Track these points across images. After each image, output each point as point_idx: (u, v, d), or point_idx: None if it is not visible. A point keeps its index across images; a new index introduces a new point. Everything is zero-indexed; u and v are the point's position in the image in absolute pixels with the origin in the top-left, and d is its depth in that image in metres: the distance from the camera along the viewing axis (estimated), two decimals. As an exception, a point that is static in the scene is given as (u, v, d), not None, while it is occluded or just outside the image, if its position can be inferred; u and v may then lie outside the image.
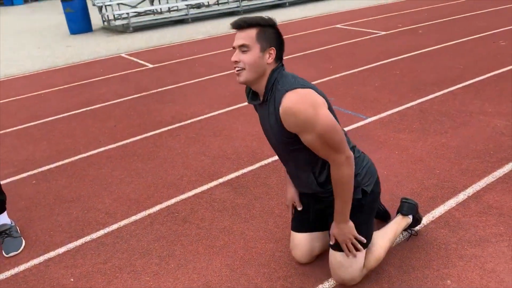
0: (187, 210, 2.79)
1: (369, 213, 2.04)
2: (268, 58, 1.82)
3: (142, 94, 5.31)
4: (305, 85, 1.81)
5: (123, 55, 7.81)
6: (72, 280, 2.27)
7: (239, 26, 1.82)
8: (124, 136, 4.06)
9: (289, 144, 1.88)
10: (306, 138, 1.78)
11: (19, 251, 2.53)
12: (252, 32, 1.80)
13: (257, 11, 11.89)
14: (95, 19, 11.93)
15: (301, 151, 1.87)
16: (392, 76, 5.03)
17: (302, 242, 2.14)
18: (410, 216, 2.28)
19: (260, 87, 1.87)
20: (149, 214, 2.79)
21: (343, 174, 1.82)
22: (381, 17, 9.00)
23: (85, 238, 2.61)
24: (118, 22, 11.05)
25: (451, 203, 2.60)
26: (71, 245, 2.55)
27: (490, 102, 4.00)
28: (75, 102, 5.24)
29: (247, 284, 2.12)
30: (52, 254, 2.49)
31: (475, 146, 3.24)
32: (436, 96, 4.27)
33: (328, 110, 1.80)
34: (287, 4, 12.55)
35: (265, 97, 1.86)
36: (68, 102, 5.27)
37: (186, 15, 11.40)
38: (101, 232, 2.65)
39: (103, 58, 7.74)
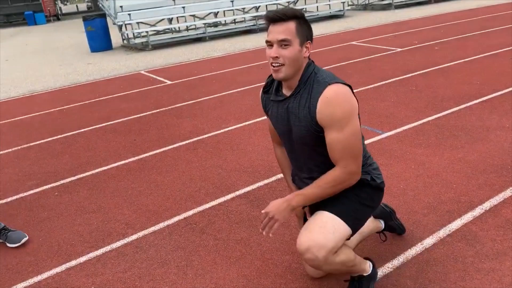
0: (205, 222, 2.84)
1: (364, 203, 1.93)
2: (305, 52, 1.81)
3: (161, 109, 5.43)
4: (345, 83, 1.81)
5: (142, 72, 8.00)
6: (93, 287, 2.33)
7: (278, 19, 1.74)
8: (144, 150, 4.16)
9: (312, 139, 1.84)
10: (331, 136, 1.76)
11: (27, 236, 2.80)
12: (292, 26, 1.75)
13: (273, 29, 12.05)
14: (115, 37, 12.24)
15: (320, 149, 1.85)
16: (409, 92, 5.05)
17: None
18: (382, 221, 2.27)
19: (294, 81, 1.84)
20: (167, 225, 2.85)
21: (342, 180, 1.79)
22: (397, 34, 9.05)
23: (105, 247, 2.67)
24: (138, 40, 11.34)
25: (468, 217, 2.59)
26: (92, 254, 2.62)
27: (507, 118, 3.98)
28: (96, 117, 5.38)
29: (263, 294, 2.14)
30: (73, 263, 2.56)
31: (492, 160, 3.23)
32: (453, 112, 4.27)
33: (357, 119, 1.81)
34: (303, 22, 12.69)
35: (297, 90, 1.83)
36: (89, 117, 5.42)
37: (203, 33, 11.64)
38: (121, 242, 2.71)
39: (123, 75, 7.93)
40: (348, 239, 1.91)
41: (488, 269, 2.15)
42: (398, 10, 13.59)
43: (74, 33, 17.94)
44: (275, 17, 1.75)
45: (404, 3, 14.62)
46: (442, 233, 2.47)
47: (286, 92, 1.91)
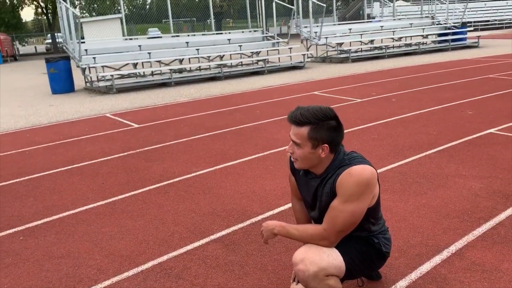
0: (180, 267, 2.81)
1: (363, 259, 2.10)
2: (321, 153, 1.97)
3: (129, 152, 5.39)
4: (372, 166, 1.99)
5: (107, 115, 7.94)
6: (65, 337, 2.22)
7: (294, 122, 1.95)
8: (113, 193, 4.09)
9: None
10: (334, 202, 1.94)
11: None
12: (304, 131, 1.92)
13: (237, 78, 12.40)
14: (77, 80, 12.14)
15: None
16: (371, 140, 5.30)
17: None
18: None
19: (318, 170, 2.02)
20: (141, 271, 2.79)
21: (316, 239, 1.98)
22: (356, 86, 9.55)
23: (77, 294, 2.57)
24: (102, 83, 11.30)
25: (436, 260, 2.72)
26: (62, 302, 2.51)
27: (464, 166, 4.26)
28: (61, 160, 5.26)
29: None
30: (43, 311, 2.44)
31: (454, 206, 3.43)
32: (414, 159, 4.52)
33: (367, 204, 1.97)
34: (265, 71, 13.16)
35: (325, 174, 2.01)
36: (53, 160, 5.28)
37: (169, 78, 11.78)
38: (93, 289, 2.62)
39: (87, 117, 7.84)
40: (341, 281, 2.00)
41: (459, 310, 2.25)
42: (355, 63, 14.39)
43: (33, 74, 17.64)
44: (291, 120, 1.95)
45: (360, 57, 15.52)
46: (414, 275, 2.57)
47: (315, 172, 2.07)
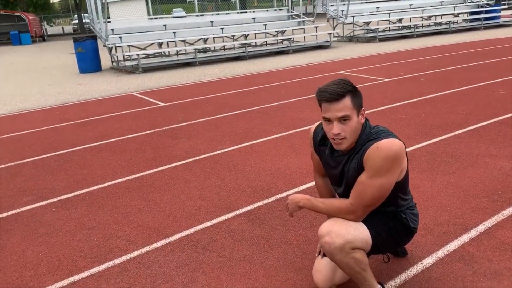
0: (207, 239, 2.86)
1: (390, 234, 2.09)
2: (362, 118, 1.96)
3: (155, 130, 5.47)
4: (400, 139, 1.96)
5: (134, 93, 8.05)
6: (97, 302, 2.31)
7: (333, 99, 1.86)
8: (140, 169, 4.17)
9: None
10: (362, 176, 1.93)
11: None
12: (348, 101, 1.88)
13: (261, 57, 12.32)
14: (104, 59, 12.30)
15: None
16: (398, 120, 5.22)
17: (325, 268, 2.21)
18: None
19: (351, 145, 1.99)
20: (169, 242, 2.86)
21: (342, 213, 1.98)
22: (383, 65, 9.36)
23: (107, 263, 2.66)
24: (128, 63, 11.42)
25: (464, 238, 2.68)
26: (94, 270, 2.60)
27: (494, 146, 4.16)
28: (90, 136, 5.38)
29: (270, 310, 2.17)
30: (76, 277, 2.54)
31: (483, 186, 3.36)
32: (442, 139, 4.44)
33: (395, 178, 1.95)
34: (290, 51, 13.02)
35: (352, 151, 1.99)
36: (83, 136, 5.41)
37: (194, 58, 11.81)
38: (123, 258, 2.70)
39: (114, 96, 7.96)
40: (367, 255, 2.00)
41: None
42: (382, 42, 14.07)
43: (61, 54, 17.96)
44: (331, 97, 1.87)
45: (388, 36, 15.15)
46: (441, 253, 2.55)
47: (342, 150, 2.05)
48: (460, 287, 2.25)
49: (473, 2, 17.95)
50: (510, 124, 4.79)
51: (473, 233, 2.73)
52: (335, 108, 1.89)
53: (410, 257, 2.52)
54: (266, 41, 14.07)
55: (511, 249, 2.53)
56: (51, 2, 52.73)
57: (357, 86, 1.99)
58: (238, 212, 3.21)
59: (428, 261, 2.48)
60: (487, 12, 17.07)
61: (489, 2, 17.59)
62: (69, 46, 16.89)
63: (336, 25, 15.07)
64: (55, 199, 3.62)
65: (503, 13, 17.92)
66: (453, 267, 2.42)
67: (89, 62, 11.49)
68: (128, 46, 11.68)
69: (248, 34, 13.64)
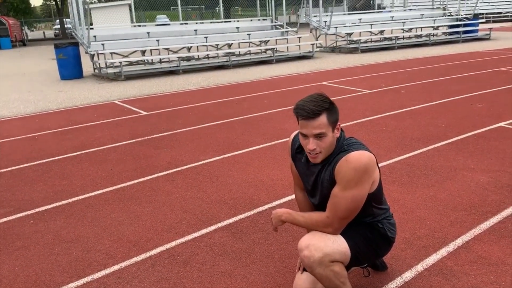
0: (188, 253, 2.84)
1: (369, 245, 2.12)
2: (337, 133, 2.00)
3: (137, 139, 5.42)
4: (370, 151, 2.00)
5: (116, 101, 7.98)
6: (75, 319, 2.27)
7: (312, 116, 1.91)
8: (121, 180, 4.13)
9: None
10: (335, 189, 1.97)
11: None
12: (324, 119, 1.92)
13: (245, 67, 12.36)
14: (85, 66, 12.17)
15: None
16: (379, 132, 5.29)
17: (305, 282, 2.21)
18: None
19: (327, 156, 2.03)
20: (150, 256, 2.82)
21: (320, 226, 2.01)
22: (365, 77, 9.50)
23: (86, 278, 2.62)
24: (110, 70, 11.32)
25: (443, 252, 2.73)
26: (72, 285, 2.56)
27: (472, 159, 4.24)
28: (70, 145, 5.30)
29: (251, 326, 2.16)
30: (53, 293, 2.49)
31: (461, 199, 3.42)
32: (422, 152, 4.51)
33: (367, 189, 1.98)
34: (274, 60, 13.10)
35: (326, 161, 2.02)
36: (62, 145, 5.33)
37: (177, 66, 11.78)
38: (103, 273, 2.66)
39: (96, 104, 7.88)
40: (347, 268, 2.02)
41: (465, 302, 2.27)
42: (364, 54, 14.28)
43: (42, 59, 17.70)
44: (309, 115, 1.91)
45: (370, 47, 15.39)
46: (420, 267, 2.58)
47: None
48: (438, 302, 2.28)
49: (452, 16, 18.39)
50: (487, 137, 4.90)
51: (452, 247, 2.78)
52: (311, 125, 1.92)
53: (390, 271, 2.55)
54: (250, 51, 14.13)
55: (487, 263, 2.58)
56: (32, 6, 52.00)
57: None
58: (219, 225, 3.20)
59: (408, 275, 2.51)
60: (465, 25, 17.50)
61: (467, 16, 18.04)
62: (50, 52, 16.66)
63: (319, 35, 15.24)
64: (33, 211, 3.55)
65: (480, 26, 18.39)
66: (432, 281, 2.45)
67: (71, 69, 11.35)
68: (111, 53, 11.59)
69: (232, 43, 13.69)
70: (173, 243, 2.97)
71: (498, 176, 3.82)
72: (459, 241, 2.84)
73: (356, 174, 1.92)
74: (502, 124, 5.40)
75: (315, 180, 2.10)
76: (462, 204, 3.35)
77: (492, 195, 3.46)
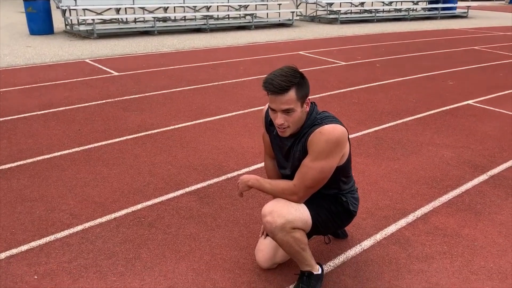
0: (154, 216, 2.85)
1: (331, 216, 2.17)
2: (306, 107, 1.99)
3: (107, 100, 5.31)
4: (343, 125, 2.01)
5: (87, 60, 7.73)
6: (36, 277, 2.27)
7: (280, 91, 1.89)
8: (89, 141, 4.06)
9: None
10: (305, 160, 1.99)
11: None
12: (292, 94, 1.90)
13: (223, 31, 12.13)
14: (57, 22, 11.69)
15: None
16: (351, 104, 5.34)
17: (267, 247, 2.27)
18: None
19: (299, 129, 2.03)
20: (115, 218, 2.82)
21: (286, 193, 2.05)
22: (342, 48, 9.48)
23: (49, 237, 2.60)
24: (82, 28, 10.91)
25: (402, 222, 2.83)
26: (34, 244, 2.54)
27: (438, 135, 4.36)
28: (37, 103, 5.15)
29: (212, 288, 2.21)
30: (14, 251, 2.47)
31: (424, 173, 3.53)
32: (391, 126, 4.60)
33: (336, 162, 2.01)
34: (252, 26, 12.89)
35: (299, 134, 2.03)
36: (29, 103, 5.17)
37: (152, 27, 11.44)
38: (66, 233, 2.65)
39: (66, 62, 7.62)
40: (308, 236, 2.08)
41: (418, 270, 2.38)
42: (344, 25, 14.20)
43: (10, 12, 16.85)
44: (276, 90, 1.89)
45: (349, 19, 15.30)
46: (379, 236, 2.68)
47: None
48: (394, 269, 2.38)
49: (433, -9, 18.40)
50: (454, 114, 5.02)
51: (410, 218, 2.88)
52: (279, 100, 1.92)
53: (350, 239, 2.63)
54: (229, 15, 13.83)
55: (443, 234, 2.70)
56: (0, -46, 48.95)
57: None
58: (187, 189, 3.21)
59: (366, 243, 2.60)
60: (444, 2, 17.57)
61: (447, -7, 18.09)
62: (20, 4, 15.87)
63: (300, 3, 15.02)
64: (-5, 169, 3.47)
65: (459, 4, 18.50)
66: (389, 249, 2.55)
67: (41, 24, 10.85)
68: (83, 9, 11.12)
69: (210, 6, 13.35)
70: (139, 206, 2.97)
71: (461, 152, 3.94)
72: (418, 212, 2.95)
73: (328, 146, 1.95)
74: (470, 102, 5.53)
75: (288, 152, 2.12)
76: (425, 177, 3.45)
77: (453, 170, 3.58)
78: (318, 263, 2.22)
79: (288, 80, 1.89)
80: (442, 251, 2.54)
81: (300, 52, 8.90)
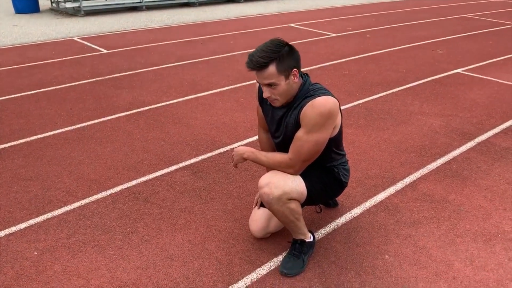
0: (148, 191, 2.91)
1: (324, 187, 2.23)
2: (294, 78, 2.00)
3: (97, 78, 5.29)
4: (335, 97, 2.04)
5: (75, 38, 7.64)
6: (36, 253, 2.33)
7: (259, 68, 1.92)
8: (81, 119, 4.07)
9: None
10: (299, 133, 2.03)
11: None
12: (272, 69, 1.92)
13: (212, 5, 11.96)
14: (42, 0, 11.46)
15: None
16: (342, 76, 5.36)
17: (261, 218, 2.34)
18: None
19: (290, 99, 2.06)
20: (110, 194, 2.88)
21: (282, 166, 2.09)
22: (332, 19, 9.42)
23: (46, 215, 2.66)
24: (69, 5, 10.70)
25: (391, 190, 2.91)
26: (32, 221, 2.60)
27: (427, 104, 4.41)
28: (27, 83, 5.12)
29: (208, 257, 2.29)
30: (13, 229, 2.53)
31: (413, 142, 3.60)
32: (381, 96, 4.64)
33: (329, 133, 2.05)
34: (242, 0, 12.71)
35: (292, 104, 2.06)
36: (19, 83, 5.14)
37: (140, 2, 11.25)
38: (63, 210, 2.71)
39: (54, 40, 7.53)
40: (301, 206, 2.15)
41: (406, 235, 2.47)
42: (334, -5, 14.02)
43: (-6, -10, 16.43)
44: (255, 67, 1.92)
45: (339, -11, 15.08)
46: (368, 204, 2.76)
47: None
48: (382, 235, 2.47)
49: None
50: (444, 83, 5.07)
51: (399, 185, 2.96)
52: (260, 76, 1.96)
53: (340, 208, 2.72)
54: (217, -12, 13.58)
55: (430, 200, 2.79)
56: None
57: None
58: (181, 165, 3.26)
59: (356, 211, 2.69)
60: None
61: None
62: (2, -18, 15.49)
63: (289, -26, 14.76)
64: (-11, 150, 3.49)
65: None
66: (378, 216, 2.63)
67: (26, 2, 10.63)
68: (69, -14, 10.89)
69: (198, -20, 13.09)
70: (133, 182, 3.02)
71: (449, 121, 4.01)
72: (407, 180, 3.03)
73: (321, 119, 1.98)
74: (459, 70, 5.57)
75: (280, 122, 2.15)
76: (414, 146, 3.53)
77: (442, 138, 3.65)
78: (310, 231, 2.30)
79: (266, 56, 1.91)
80: (429, 216, 2.63)
81: (291, 25, 8.84)
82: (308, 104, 2.00)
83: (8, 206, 2.75)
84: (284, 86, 1.99)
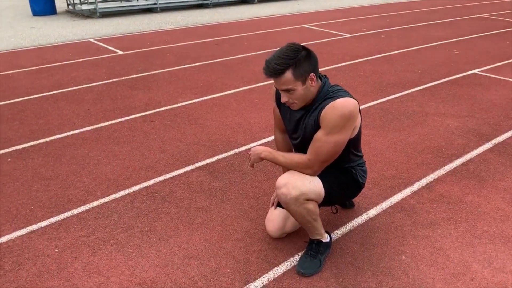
0: (166, 191, 2.95)
1: (341, 188, 2.24)
2: (312, 83, 2.01)
3: (114, 79, 5.36)
4: (355, 98, 2.07)
5: (91, 40, 7.75)
6: (56, 251, 2.38)
7: (276, 74, 1.94)
8: (99, 120, 4.14)
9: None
10: (318, 133, 2.04)
11: None
12: (289, 76, 1.94)
13: (225, 6, 12.02)
14: (58, 2, 11.64)
15: None
16: (357, 77, 5.35)
17: (278, 218, 2.36)
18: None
19: (309, 102, 2.08)
20: (128, 193, 2.92)
21: (300, 167, 2.09)
22: (346, 20, 9.39)
23: (66, 213, 2.71)
24: (85, 7, 10.86)
25: (407, 191, 2.90)
26: (53, 219, 2.65)
27: (444, 105, 4.38)
28: (46, 84, 5.21)
29: (225, 256, 2.31)
30: (34, 227, 2.58)
31: (430, 143, 3.58)
32: (396, 97, 4.62)
33: (349, 135, 2.06)
34: (255, 0, 12.74)
35: (311, 107, 2.08)
36: (38, 84, 5.24)
37: (155, 4, 11.35)
38: (82, 208, 2.76)
39: (71, 42, 7.64)
40: (318, 207, 2.16)
41: (422, 236, 2.46)
42: (348, -4, 13.97)
43: (12, -7, 16.73)
44: (272, 74, 1.95)
45: (353, -11, 15.02)
46: (385, 205, 2.76)
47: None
48: (399, 236, 2.47)
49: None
50: (460, 84, 5.02)
51: (416, 186, 2.95)
52: (278, 82, 1.98)
53: (357, 209, 2.72)
54: (231, -11, 13.64)
55: (447, 201, 2.77)
56: None
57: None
58: (197, 165, 3.29)
59: (373, 212, 2.68)
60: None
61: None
62: (20, -15, 15.77)
63: (303, -25, 14.75)
64: (10, 149, 3.56)
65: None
66: (395, 217, 2.63)
67: (43, 4, 10.81)
68: (85, -12, 11.05)
69: (212, -19, 13.15)
70: (151, 181, 3.06)
71: (466, 121, 3.98)
72: (423, 181, 3.02)
73: (342, 120, 1.99)
74: (476, 71, 5.52)
75: (298, 123, 2.16)
76: (430, 147, 3.51)
77: (458, 139, 3.63)
78: (326, 232, 2.31)
79: (282, 62, 1.92)
80: (446, 217, 2.62)
81: (305, 25, 8.84)
82: (328, 105, 2.01)
83: (30, 204, 2.81)
84: (301, 91, 2.00)
